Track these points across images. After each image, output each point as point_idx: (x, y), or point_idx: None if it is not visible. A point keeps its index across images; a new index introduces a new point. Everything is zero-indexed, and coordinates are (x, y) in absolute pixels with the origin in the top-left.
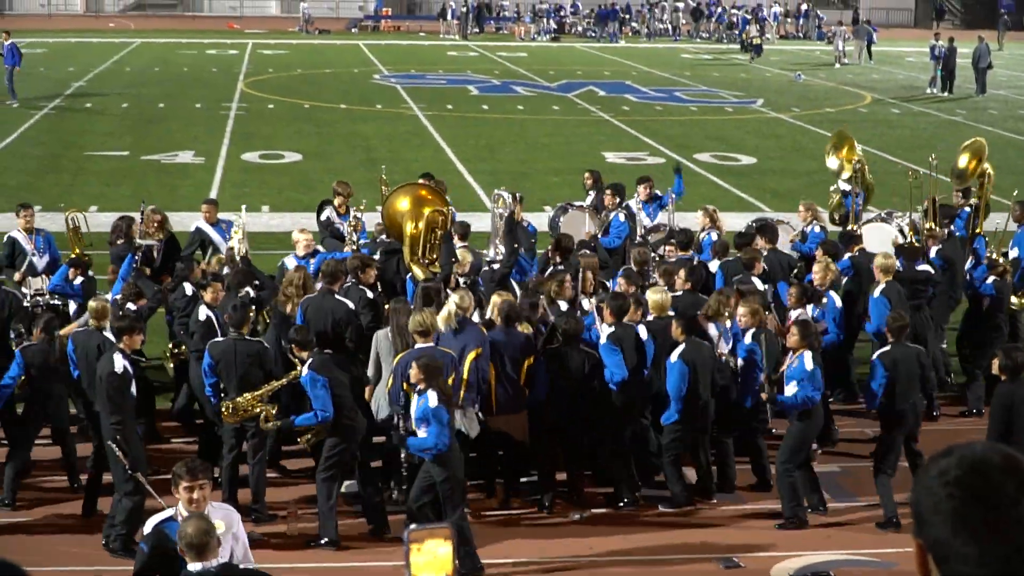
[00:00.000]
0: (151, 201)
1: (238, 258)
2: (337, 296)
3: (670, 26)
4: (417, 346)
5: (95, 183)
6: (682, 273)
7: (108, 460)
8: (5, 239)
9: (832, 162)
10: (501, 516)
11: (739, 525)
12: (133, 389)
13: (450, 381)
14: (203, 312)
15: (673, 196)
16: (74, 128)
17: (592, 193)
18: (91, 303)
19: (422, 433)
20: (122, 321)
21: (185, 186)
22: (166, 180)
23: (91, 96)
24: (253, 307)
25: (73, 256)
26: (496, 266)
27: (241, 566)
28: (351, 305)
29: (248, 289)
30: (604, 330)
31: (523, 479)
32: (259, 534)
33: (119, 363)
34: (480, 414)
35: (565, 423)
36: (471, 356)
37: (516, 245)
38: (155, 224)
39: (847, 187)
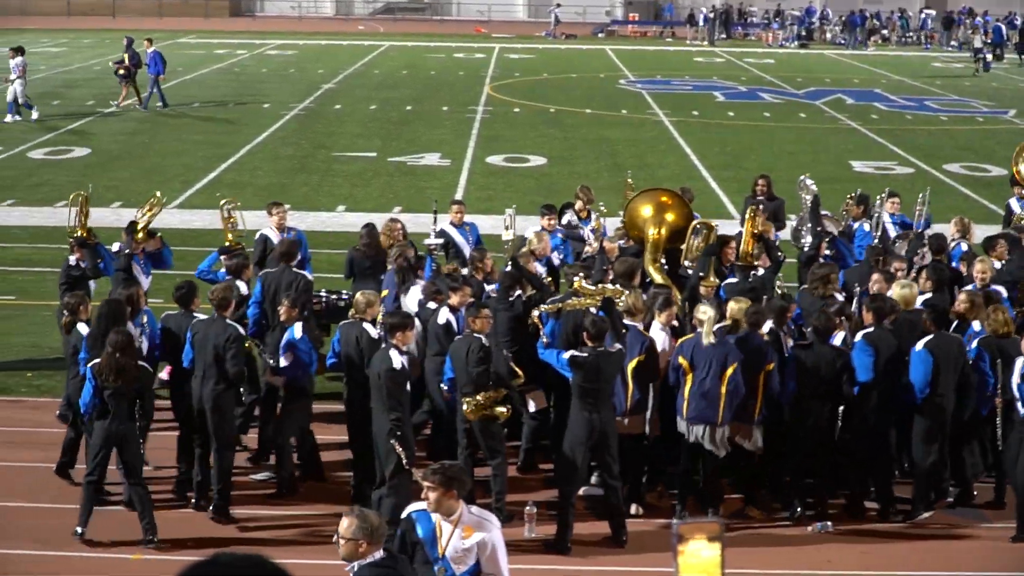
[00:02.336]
0: (397, 203)
1: (507, 260)
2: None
3: (921, 35)
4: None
5: (343, 184)
6: (924, 273)
7: (382, 453)
8: (257, 236)
9: None
10: (737, 523)
11: (989, 544)
12: (407, 385)
13: None
14: (443, 315)
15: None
16: (323, 129)
17: (764, 199)
18: (357, 296)
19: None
20: (394, 318)
21: (431, 188)
22: (412, 182)
23: (340, 98)
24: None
25: (225, 244)
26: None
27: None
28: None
29: (519, 292)
30: (860, 332)
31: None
32: None
33: (396, 359)
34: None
35: (812, 425)
36: (729, 371)
37: (819, 228)
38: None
39: None
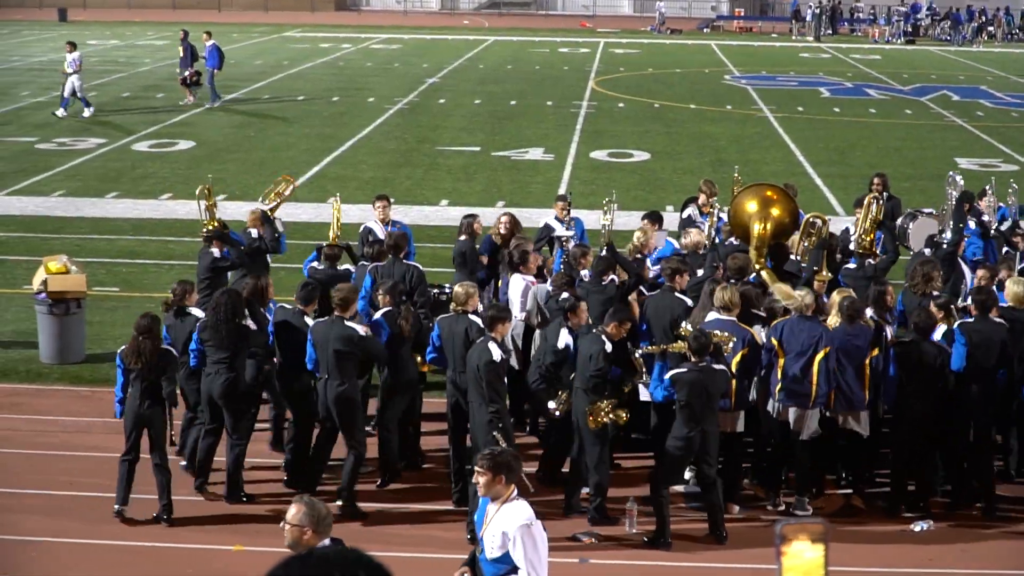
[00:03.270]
0: (500, 198)
1: (602, 244)
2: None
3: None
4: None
5: (447, 178)
6: None
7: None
8: (361, 229)
9: None
10: (839, 520)
11: None
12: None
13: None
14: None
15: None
16: (427, 123)
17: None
18: (456, 288)
19: None
20: (493, 310)
21: (535, 183)
22: (516, 176)
23: (444, 92)
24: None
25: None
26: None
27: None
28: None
29: (613, 276)
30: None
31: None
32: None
33: (496, 352)
34: (827, 412)
35: (916, 420)
36: (820, 356)
37: (961, 225)
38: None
39: None
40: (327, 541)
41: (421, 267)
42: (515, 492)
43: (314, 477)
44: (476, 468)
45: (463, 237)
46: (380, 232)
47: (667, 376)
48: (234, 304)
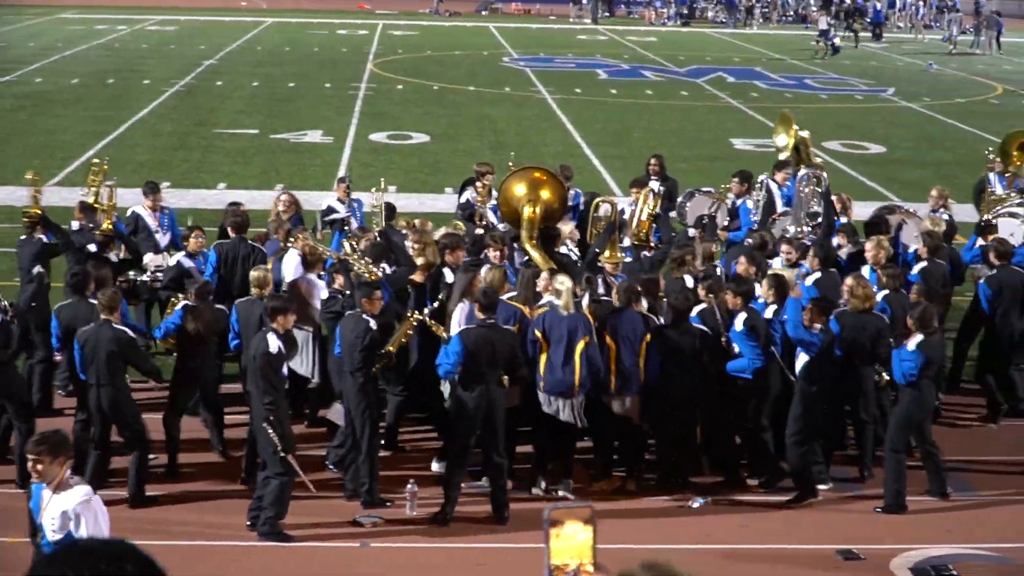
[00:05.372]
0: (279, 180)
1: (375, 233)
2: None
3: (796, 13)
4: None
5: (224, 161)
6: (812, 251)
7: (258, 436)
8: (129, 213)
9: None
10: (616, 500)
11: (859, 515)
12: (285, 370)
13: None
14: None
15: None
16: (204, 105)
17: (657, 180)
18: (253, 272)
19: None
20: (276, 301)
21: (313, 165)
22: (295, 159)
23: (222, 75)
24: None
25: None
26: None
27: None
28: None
29: (384, 265)
30: (740, 317)
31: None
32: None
33: (274, 343)
34: (601, 397)
35: (676, 405)
36: (580, 345)
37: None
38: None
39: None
40: (69, 471)
41: (263, 248)
42: (68, 472)
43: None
44: (31, 455)
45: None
46: (148, 218)
47: (454, 336)
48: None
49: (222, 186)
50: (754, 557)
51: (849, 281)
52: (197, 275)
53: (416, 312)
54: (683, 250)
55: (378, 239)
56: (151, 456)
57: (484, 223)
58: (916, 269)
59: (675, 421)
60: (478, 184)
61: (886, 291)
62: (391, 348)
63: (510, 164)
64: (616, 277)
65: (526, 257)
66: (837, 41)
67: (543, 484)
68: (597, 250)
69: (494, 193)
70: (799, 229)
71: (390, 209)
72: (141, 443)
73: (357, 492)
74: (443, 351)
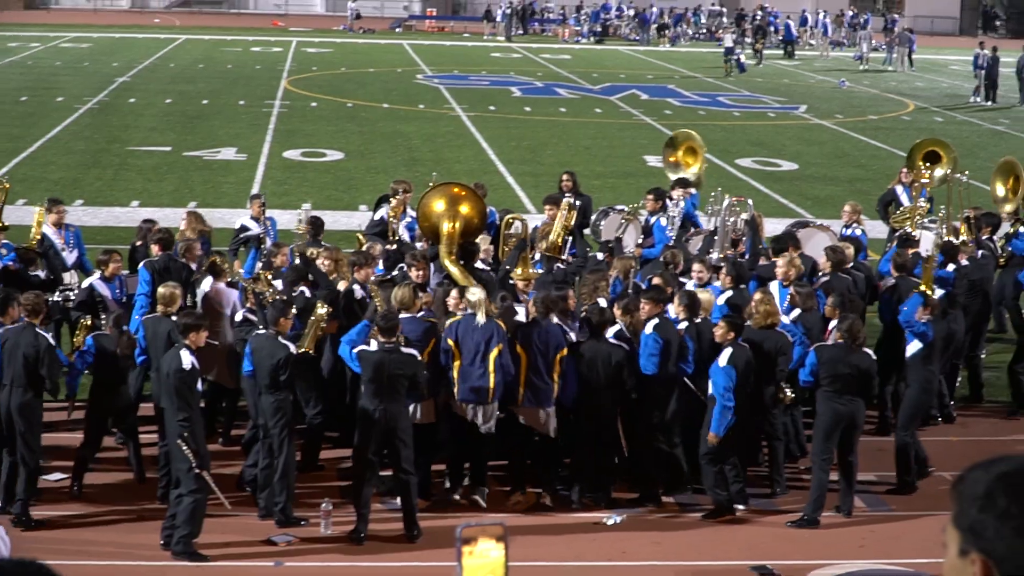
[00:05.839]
0: (192, 198)
1: (289, 249)
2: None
3: (711, 32)
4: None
5: (138, 178)
6: (724, 269)
7: (173, 453)
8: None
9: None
10: (531, 515)
11: (773, 530)
12: (199, 385)
13: None
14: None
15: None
16: (117, 123)
17: (571, 196)
18: (161, 289)
19: None
20: (188, 318)
21: (227, 183)
22: (209, 176)
23: (135, 92)
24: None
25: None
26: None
27: None
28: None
29: (303, 288)
30: (651, 323)
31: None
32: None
33: (187, 360)
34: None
35: (593, 418)
36: (494, 353)
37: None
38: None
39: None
40: None
41: (193, 267)
42: None
43: None
44: None
45: (139, 243)
46: (54, 236)
47: (354, 351)
48: None
49: (135, 204)
50: (668, 574)
51: (756, 296)
52: (110, 302)
53: (320, 307)
54: (596, 275)
55: (296, 261)
56: (57, 477)
57: (396, 239)
58: (818, 284)
59: (588, 435)
60: (393, 200)
61: (798, 310)
62: (308, 349)
63: (430, 182)
64: (529, 294)
65: (444, 274)
66: (743, 58)
67: (459, 492)
68: (508, 267)
69: (409, 210)
70: (721, 256)
71: (318, 225)
72: (32, 457)
73: (271, 511)
74: (347, 357)
